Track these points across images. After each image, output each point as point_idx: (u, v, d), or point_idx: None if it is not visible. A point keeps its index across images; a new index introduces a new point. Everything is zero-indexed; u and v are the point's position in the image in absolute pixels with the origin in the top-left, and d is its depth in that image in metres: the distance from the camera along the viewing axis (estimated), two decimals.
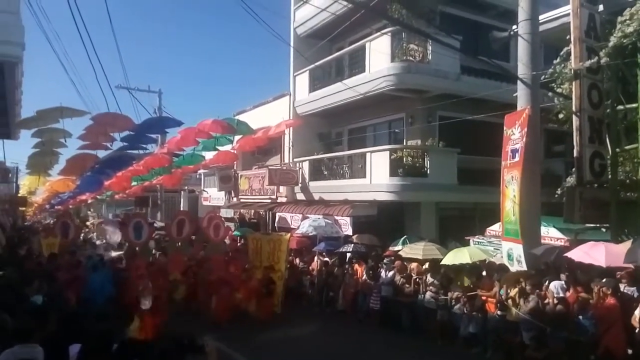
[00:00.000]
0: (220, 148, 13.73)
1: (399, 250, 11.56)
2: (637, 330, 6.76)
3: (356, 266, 12.00)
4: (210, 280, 11.12)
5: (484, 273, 9.49)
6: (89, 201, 28.74)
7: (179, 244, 12.19)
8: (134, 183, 20.10)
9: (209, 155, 15.09)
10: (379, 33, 14.06)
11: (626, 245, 7.45)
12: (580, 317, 7.23)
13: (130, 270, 10.78)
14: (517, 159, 9.12)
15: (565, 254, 7.99)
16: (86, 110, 10.74)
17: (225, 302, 10.79)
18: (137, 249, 11.80)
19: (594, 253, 7.45)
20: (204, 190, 24.79)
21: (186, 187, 28.26)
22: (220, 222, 12.83)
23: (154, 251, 12.78)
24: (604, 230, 10.07)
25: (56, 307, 5.93)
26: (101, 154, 12.47)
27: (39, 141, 12.03)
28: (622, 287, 7.56)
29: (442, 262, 10.01)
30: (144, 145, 12.49)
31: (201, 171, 22.63)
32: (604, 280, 7.24)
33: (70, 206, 30.64)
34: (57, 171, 16.08)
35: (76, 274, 10.03)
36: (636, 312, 6.82)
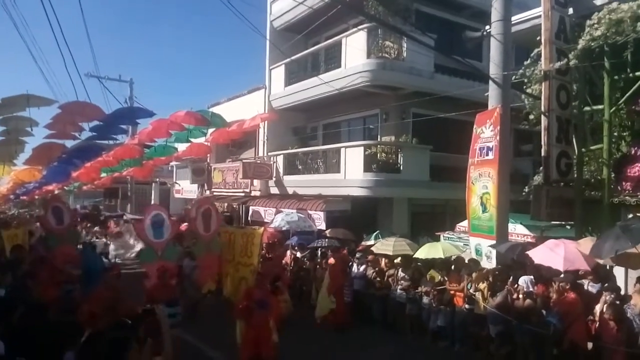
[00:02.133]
0: (193, 140, 13.54)
1: (371, 245, 11.67)
2: (597, 325, 7.01)
3: (331, 259, 12.02)
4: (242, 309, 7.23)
5: (453, 267, 9.67)
6: (56, 192, 27.93)
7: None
8: (103, 174, 19.65)
9: (181, 147, 14.86)
10: (355, 29, 14.12)
11: (586, 242, 7.71)
12: (544, 311, 7.44)
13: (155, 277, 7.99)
14: (490, 156, 9.34)
15: (527, 252, 8.17)
16: (54, 99, 10.43)
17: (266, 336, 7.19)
18: (158, 253, 9.07)
19: (557, 250, 7.67)
20: (176, 183, 24.45)
21: (158, 179, 27.82)
22: (211, 209, 10.07)
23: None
24: (568, 227, 10.37)
25: (20, 299, 5.78)
26: (69, 143, 12.15)
27: (4, 129, 11.62)
28: (586, 283, 7.82)
29: (415, 256, 10.16)
30: (114, 136, 12.21)
31: (173, 163, 22.29)
32: (561, 275, 7.47)
33: (36, 197, 29.75)
34: (23, 160, 15.58)
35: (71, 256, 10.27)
36: (597, 307, 7.07)
